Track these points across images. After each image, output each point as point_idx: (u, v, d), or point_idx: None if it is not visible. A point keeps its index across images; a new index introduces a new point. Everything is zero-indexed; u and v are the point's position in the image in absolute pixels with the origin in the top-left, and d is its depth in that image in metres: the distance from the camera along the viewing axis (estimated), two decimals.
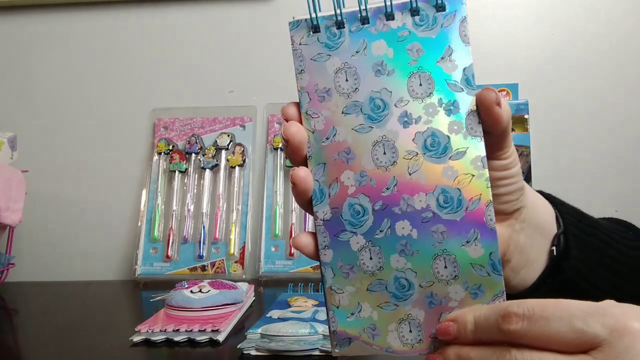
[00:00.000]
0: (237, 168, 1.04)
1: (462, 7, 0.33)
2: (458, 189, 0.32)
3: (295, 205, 1.00)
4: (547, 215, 0.40)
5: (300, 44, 0.34)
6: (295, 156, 0.34)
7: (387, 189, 0.33)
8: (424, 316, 0.32)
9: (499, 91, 0.99)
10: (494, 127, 0.33)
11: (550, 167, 1.03)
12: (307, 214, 0.96)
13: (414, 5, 0.33)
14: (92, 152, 1.10)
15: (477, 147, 0.32)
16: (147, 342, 0.62)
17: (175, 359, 0.60)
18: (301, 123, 0.34)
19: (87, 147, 1.10)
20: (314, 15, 0.34)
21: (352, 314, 0.33)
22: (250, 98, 1.08)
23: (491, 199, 0.32)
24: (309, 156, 0.34)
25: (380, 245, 0.33)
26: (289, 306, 0.69)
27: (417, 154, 0.32)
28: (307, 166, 0.34)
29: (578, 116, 1.04)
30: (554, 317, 0.27)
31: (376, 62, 0.33)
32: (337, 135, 0.33)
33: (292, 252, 0.97)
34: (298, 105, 0.34)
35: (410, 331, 0.32)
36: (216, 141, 1.05)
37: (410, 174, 0.32)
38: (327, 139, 0.34)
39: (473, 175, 0.32)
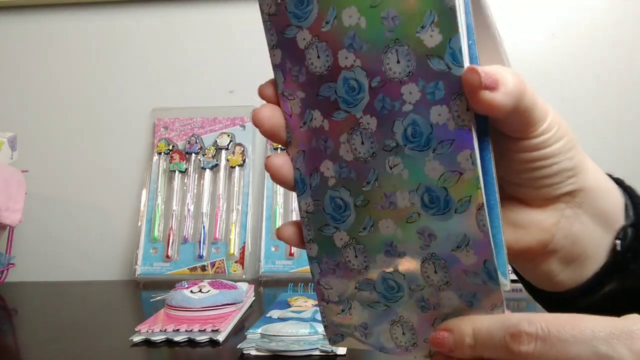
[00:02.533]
0: (237, 168, 1.04)
1: None
2: (444, 187, 0.26)
3: (295, 205, 1.00)
4: (613, 202, 0.33)
5: (269, 15, 0.29)
6: (274, 142, 0.31)
7: (368, 183, 0.28)
8: (417, 319, 0.29)
9: None
10: (489, 115, 0.26)
11: None
12: None
13: None
14: (92, 151, 1.10)
15: (465, 140, 0.26)
16: (147, 342, 0.62)
17: (175, 359, 0.60)
18: (279, 105, 0.30)
19: (87, 147, 1.10)
20: None
21: (342, 310, 0.31)
22: (250, 98, 1.08)
23: (483, 201, 0.26)
24: (289, 142, 0.30)
25: (365, 244, 0.29)
26: (289, 306, 0.69)
27: (397, 145, 0.27)
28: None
29: (578, 116, 1.04)
30: (574, 340, 0.24)
31: (348, 35, 0.27)
32: (313, 121, 0.29)
33: (292, 252, 0.97)
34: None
35: (404, 334, 0.30)
36: (216, 141, 1.05)
37: (390, 168, 0.28)
38: (304, 124, 0.30)
39: (461, 174, 0.26)
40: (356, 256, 0.29)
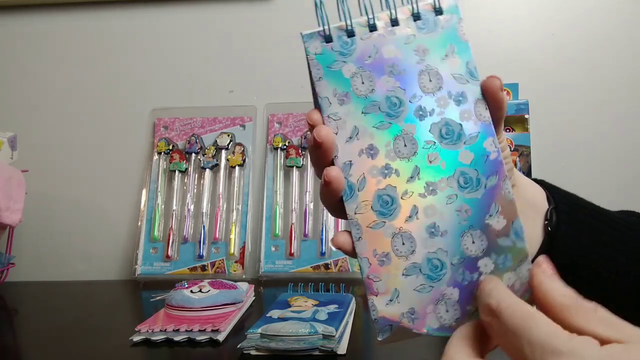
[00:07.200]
0: (237, 168, 1.04)
1: (457, 9, 0.37)
2: (475, 169, 0.35)
3: (295, 205, 1.00)
4: (537, 194, 0.43)
5: (315, 54, 0.37)
6: (324, 159, 0.36)
7: (411, 177, 0.35)
8: (459, 294, 0.34)
9: None
10: (499, 110, 0.36)
11: (550, 167, 1.03)
12: (306, 218, 0.96)
13: (416, 11, 0.37)
14: (92, 152, 1.10)
15: (488, 130, 0.35)
16: (147, 342, 0.62)
17: (175, 359, 0.61)
18: None
19: (87, 147, 1.10)
20: (326, 26, 0.37)
21: (390, 300, 0.35)
22: (250, 98, 1.08)
23: (507, 174, 0.35)
24: (335, 156, 0.36)
25: (411, 230, 0.35)
26: (289, 306, 0.69)
27: (435, 142, 0.35)
28: None
29: (578, 116, 1.04)
30: (513, 331, 0.28)
31: (388, 64, 0.36)
32: (359, 134, 0.36)
33: (292, 251, 0.97)
34: (320, 110, 0.37)
35: (447, 311, 0.34)
36: (216, 141, 1.05)
37: (430, 162, 0.35)
38: (350, 138, 0.36)
39: (487, 155, 0.35)
40: (403, 243, 0.35)
